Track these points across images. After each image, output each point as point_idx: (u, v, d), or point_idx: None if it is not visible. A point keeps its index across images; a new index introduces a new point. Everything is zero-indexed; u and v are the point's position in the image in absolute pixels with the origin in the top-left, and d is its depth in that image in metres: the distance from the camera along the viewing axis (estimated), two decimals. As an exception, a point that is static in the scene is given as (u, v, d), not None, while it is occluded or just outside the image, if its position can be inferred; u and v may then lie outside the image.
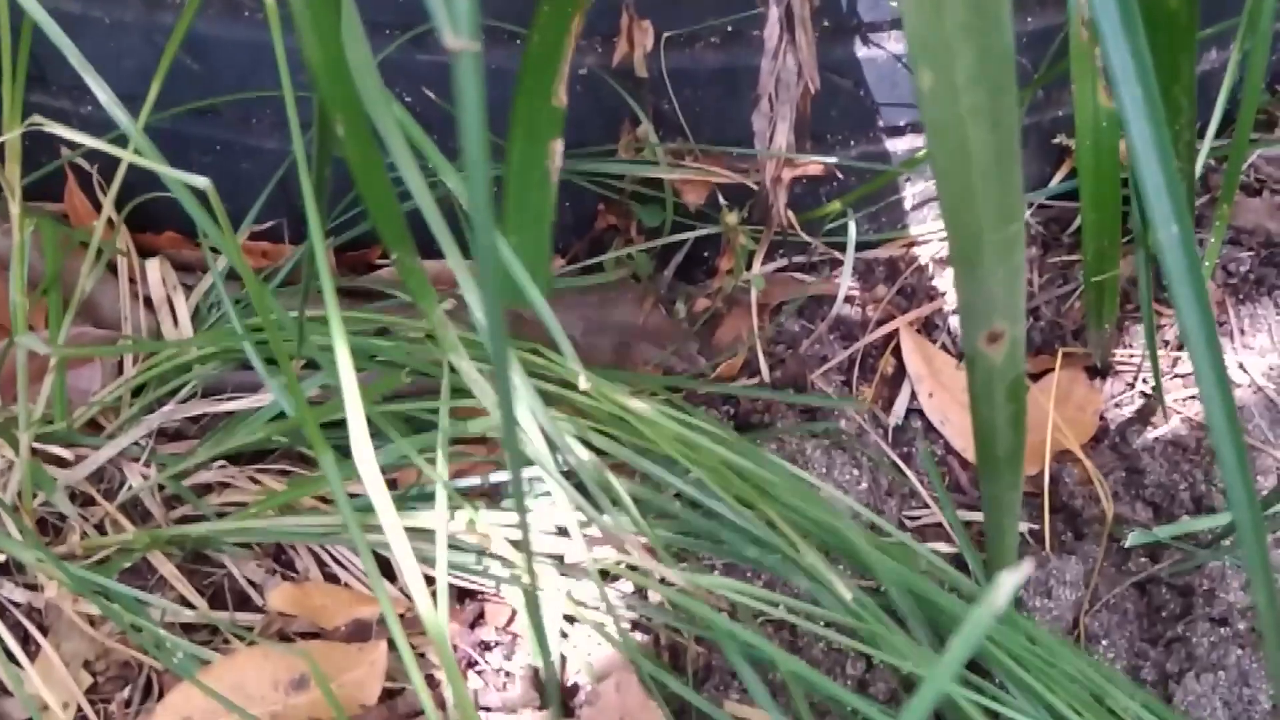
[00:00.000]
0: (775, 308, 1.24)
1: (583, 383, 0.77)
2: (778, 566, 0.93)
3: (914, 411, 1.19)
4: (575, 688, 0.94)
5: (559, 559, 0.96)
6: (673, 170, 1.09)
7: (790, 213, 1.12)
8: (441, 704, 0.90)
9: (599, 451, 0.93)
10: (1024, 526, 1.09)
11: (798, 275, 1.27)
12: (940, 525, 1.07)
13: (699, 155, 1.12)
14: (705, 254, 1.24)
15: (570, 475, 0.88)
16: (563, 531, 0.94)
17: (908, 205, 1.29)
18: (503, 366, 0.40)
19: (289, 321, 0.95)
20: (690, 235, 1.18)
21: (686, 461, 0.88)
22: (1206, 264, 1.08)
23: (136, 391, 1.08)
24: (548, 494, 0.92)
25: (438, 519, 0.84)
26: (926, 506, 1.09)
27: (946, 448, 1.16)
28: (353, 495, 0.91)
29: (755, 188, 1.10)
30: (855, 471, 1.07)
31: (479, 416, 0.93)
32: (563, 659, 0.94)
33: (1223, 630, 0.98)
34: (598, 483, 0.88)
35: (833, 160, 1.10)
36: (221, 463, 1.03)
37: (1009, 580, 0.27)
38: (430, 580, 0.82)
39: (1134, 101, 0.59)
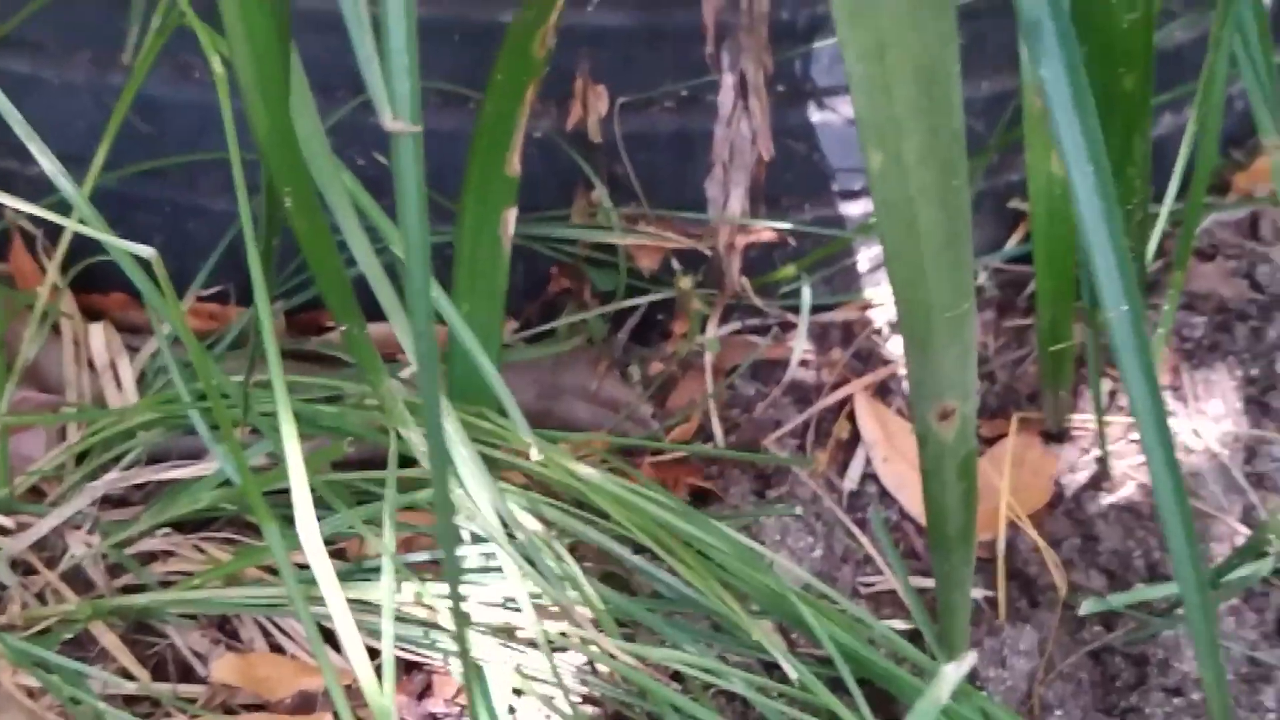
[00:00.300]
0: (729, 371, 1.23)
1: (534, 454, 0.76)
2: (728, 639, 0.92)
3: (869, 476, 1.18)
4: (524, 763, 0.93)
5: (508, 632, 0.94)
6: (626, 235, 1.08)
7: (744, 278, 1.12)
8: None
9: (548, 523, 0.92)
10: (979, 594, 1.08)
11: (752, 338, 1.26)
12: (895, 593, 1.06)
13: (653, 220, 1.11)
14: (659, 317, 1.24)
15: (520, 546, 0.87)
16: (512, 603, 0.93)
17: (862, 269, 1.29)
18: (436, 430, 0.40)
19: (234, 387, 0.93)
20: (644, 300, 1.18)
21: (635, 530, 0.87)
22: (1161, 330, 1.08)
23: (80, 458, 1.06)
24: (499, 569, 0.90)
25: (384, 591, 0.82)
26: (882, 573, 1.08)
27: (901, 513, 1.15)
28: (300, 566, 0.89)
29: (709, 253, 1.10)
30: (809, 539, 1.06)
31: (428, 487, 0.91)
32: (510, 732, 0.93)
33: (1177, 700, 0.97)
34: (546, 554, 0.86)
35: (786, 226, 1.10)
36: (166, 530, 1.01)
37: (953, 673, 0.27)
38: (377, 653, 0.81)
39: (1084, 180, 0.59)
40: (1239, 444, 1.18)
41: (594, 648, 0.90)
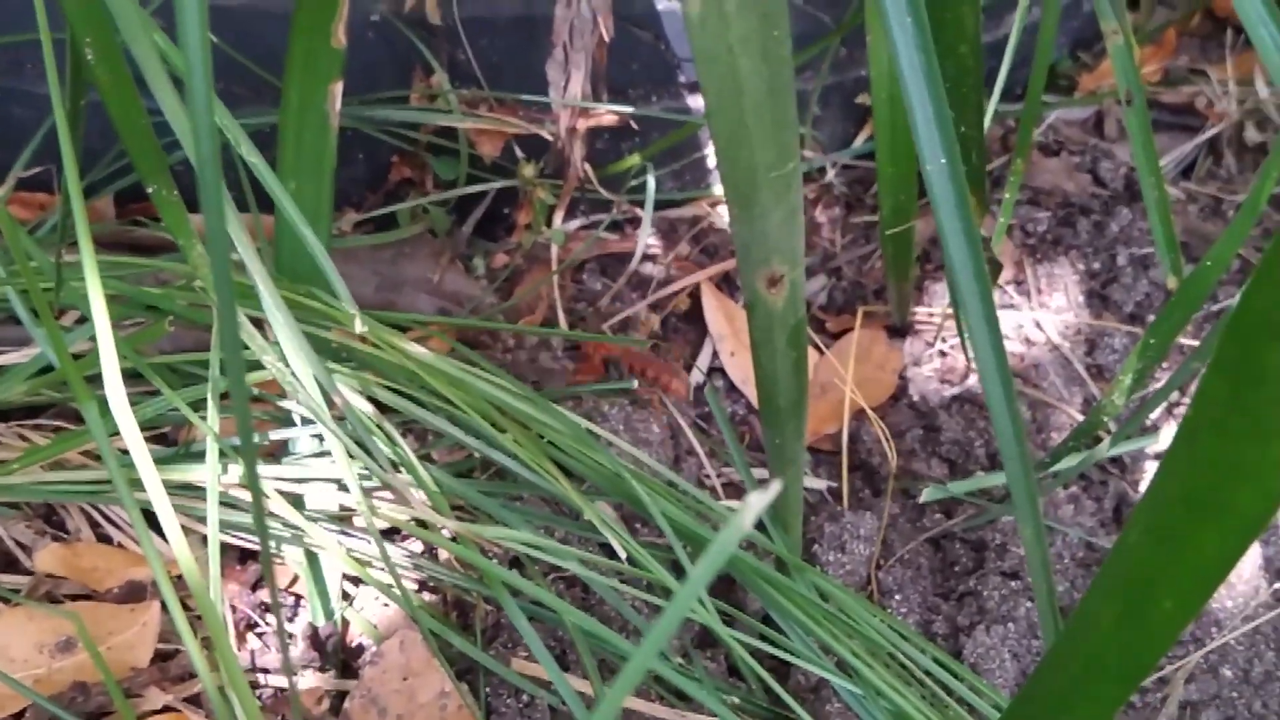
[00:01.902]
0: (577, 266, 1.22)
1: (358, 326, 0.74)
2: (570, 523, 0.92)
3: (716, 370, 1.18)
4: (360, 648, 0.91)
5: (344, 518, 0.92)
6: (466, 119, 1.06)
7: (588, 166, 1.10)
8: (216, 666, 0.87)
9: (384, 407, 0.90)
10: (823, 484, 1.08)
11: (602, 234, 1.25)
12: (742, 485, 1.06)
13: (494, 105, 1.09)
14: (505, 211, 1.22)
15: (349, 428, 0.85)
16: (344, 488, 0.91)
17: (711, 164, 1.27)
18: (222, 271, 0.38)
19: (53, 269, 0.90)
20: (487, 187, 1.15)
21: (470, 411, 0.85)
22: (1002, 220, 1.08)
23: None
24: (328, 453, 0.88)
25: (208, 474, 0.80)
26: (729, 464, 1.08)
27: (748, 406, 1.15)
28: (124, 451, 0.87)
29: (551, 139, 1.08)
30: (655, 429, 1.05)
31: (257, 370, 0.89)
32: (344, 620, 0.91)
33: (1013, 584, 0.98)
34: (379, 437, 0.85)
35: (628, 110, 1.08)
36: (-12, 420, 0.98)
37: (756, 501, 0.26)
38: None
39: (904, 35, 0.58)
40: (1080, 336, 1.20)
41: (428, 531, 0.89)
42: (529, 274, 1.18)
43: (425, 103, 1.08)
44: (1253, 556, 1.06)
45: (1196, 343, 1.18)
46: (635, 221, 1.27)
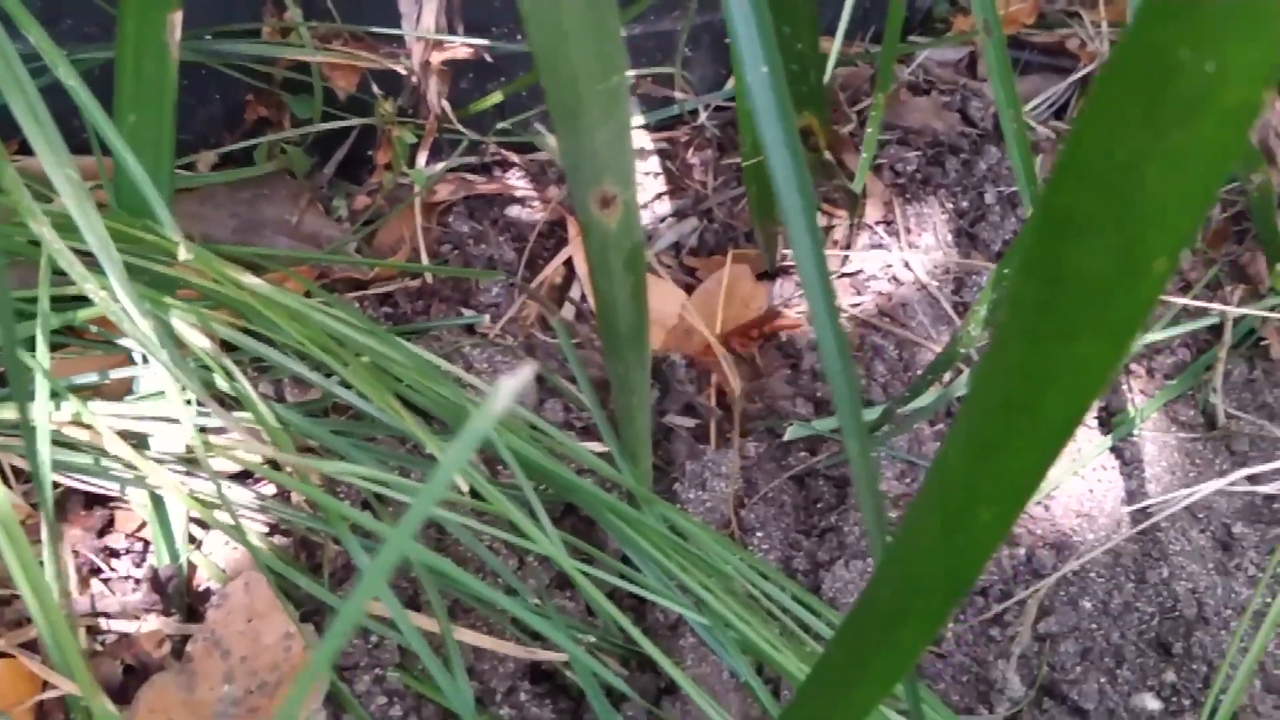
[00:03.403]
0: (445, 209, 1.19)
1: (182, 253, 0.72)
2: (424, 464, 0.90)
3: (586, 313, 1.16)
4: (207, 592, 0.89)
5: (193, 460, 0.90)
6: (318, 53, 1.03)
7: (446, 104, 1.07)
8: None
9: (230, 346, 0.88)
10: (689, 422, 1.07)
11: (468, 175, 1.22)
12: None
13: (349, 39, 1.06)
14: (371, 152, 1.19)
15: (184, 363, 0.83)
16: (200, 429, 0.88)
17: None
18: None
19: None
20: (345, 125, 1.12)
21: (313, 346, 0.83)
22: (865, 155, 1.07)
23: None
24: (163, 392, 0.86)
25: (37, 413, 0.78)
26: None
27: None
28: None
29: (406, 74, 1.05)
30: (523, 370, 1.04)
31: (89, 306, 0.86)
32: (190, 564, 0.89)
33: (874, 519, 0.98)
34: (218, 373, 0.82)
35: (483, 43, 1.06)
36: None
37: (508, 385, 0.24)
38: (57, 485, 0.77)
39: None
40: (948, 275, 1.19)
41: (279, 472, 0.87)
42: (394, 217, 1.16)
43: (278, 37, 1.05)
44: (1114, 489, 1.06)
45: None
46: (505, 164, 1.25)
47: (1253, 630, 0.95)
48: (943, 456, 0.47)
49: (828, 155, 0.94)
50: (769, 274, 1.20)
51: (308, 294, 1.00)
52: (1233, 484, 1.04)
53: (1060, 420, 0.42)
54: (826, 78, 1.16)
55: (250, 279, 0.80)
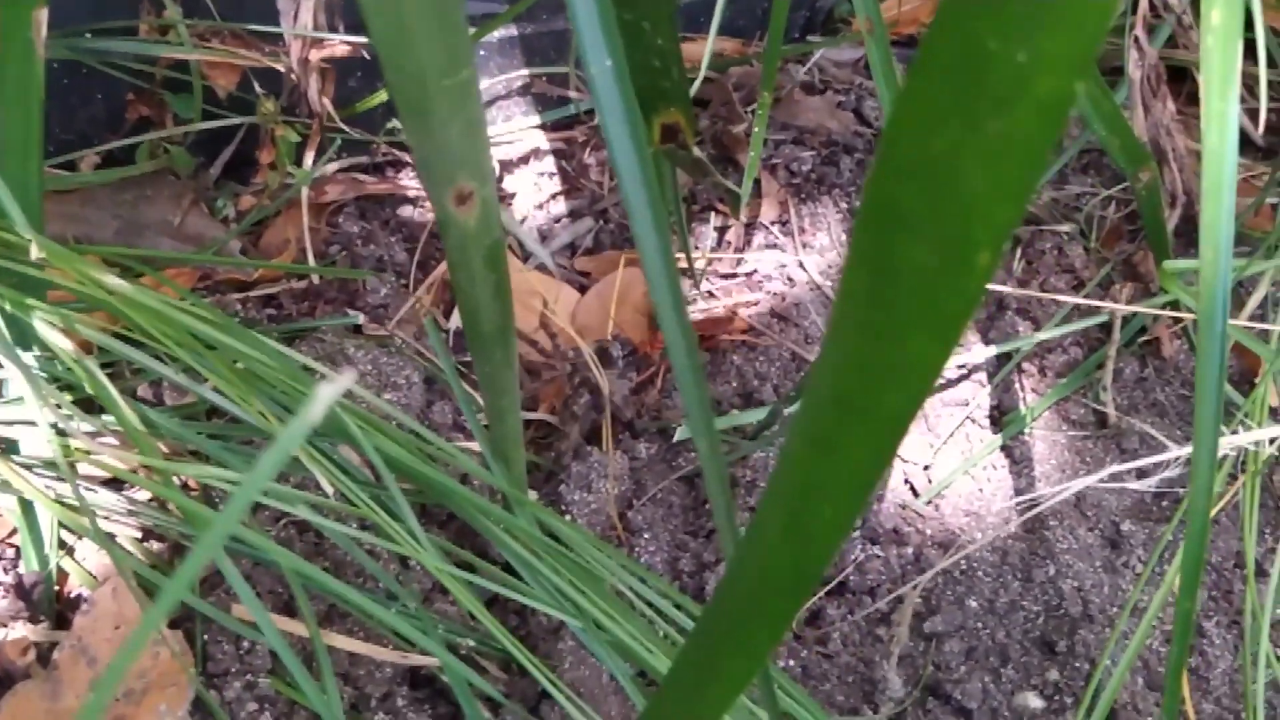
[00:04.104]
0: (335, 209, 1.18)
1: (34, 252, 0.70)
2: (303, 470, 0.88)
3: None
4: (78, 599, 0.87)
5: (70, 466, 0.88)
6: (195, 51, 1.01)
7: (327, 101, 1.06)
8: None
9: (96, 348, 0.86)
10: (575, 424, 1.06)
11: (358, 175, 1.21)
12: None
13: (228, 37, 1.05)
14: (258, 153, 1.18)
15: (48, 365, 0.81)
16: (60, 433, 0.87)
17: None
18: None
19: None
20: (226, 124, 1.11)
21: (172, 345, 0.82)
22: (752, 154, 1.07)
23: None
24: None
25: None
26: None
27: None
28: None
29: (285, 71, 1.04)
30: (409, 374, 1.03)
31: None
32: (60, 570, 0.87)
33: (761, 519, 0.97)
34: (79, 374, 0.81)
35: (363, 40, 1.04)
36: None
37: (326, 390, 0.24)
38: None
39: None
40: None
41: (138, 476, 0.85)
42: (281, 218, 1.14)
43: (156, 35, 1.03)
44: (1004, 488, 1.07)
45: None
46: (397, 164, 1.24)
47: (1134, 627, 0.95)
48: (785, 452, 0.47)
49: (697, 152, 0.94)
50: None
51: (183, 298, 0.99)
52: (1118, 479, 1.04)
53: (896, 416, 0.41)
54: (701, 76, 1.16)
55: (114, 280, 0.79)
